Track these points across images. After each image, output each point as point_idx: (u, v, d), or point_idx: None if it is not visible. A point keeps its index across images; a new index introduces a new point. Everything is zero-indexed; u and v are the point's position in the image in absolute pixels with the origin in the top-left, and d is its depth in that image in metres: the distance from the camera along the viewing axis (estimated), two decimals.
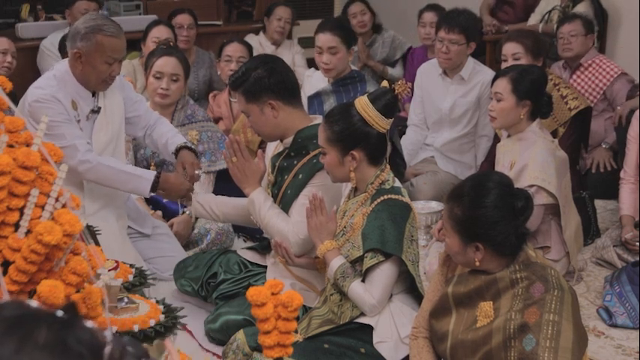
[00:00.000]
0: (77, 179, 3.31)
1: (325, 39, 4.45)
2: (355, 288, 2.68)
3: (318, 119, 3.18)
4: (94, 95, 3.38)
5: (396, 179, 2.86)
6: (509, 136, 3.66)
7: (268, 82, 3.07)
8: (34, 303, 1.10)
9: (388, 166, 2.83)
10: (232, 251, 3.51)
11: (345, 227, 2.82)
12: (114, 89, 3.46)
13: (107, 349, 1.06)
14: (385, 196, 2.74)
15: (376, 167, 2.79)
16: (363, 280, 2.70)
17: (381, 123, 2.73)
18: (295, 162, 3.11)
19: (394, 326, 2.69)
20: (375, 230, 2.68)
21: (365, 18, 5.95)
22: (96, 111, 3.38)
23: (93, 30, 3.23)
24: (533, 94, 3.53)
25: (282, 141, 3.18)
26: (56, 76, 3.30)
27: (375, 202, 2.74)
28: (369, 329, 2.70)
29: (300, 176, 3.08)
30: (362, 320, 2.71)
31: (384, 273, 2.67)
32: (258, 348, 2.73)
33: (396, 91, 2.74)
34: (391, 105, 2.75)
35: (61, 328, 1.04)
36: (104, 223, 3.30)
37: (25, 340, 1.02)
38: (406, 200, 2.77)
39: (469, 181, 2.43)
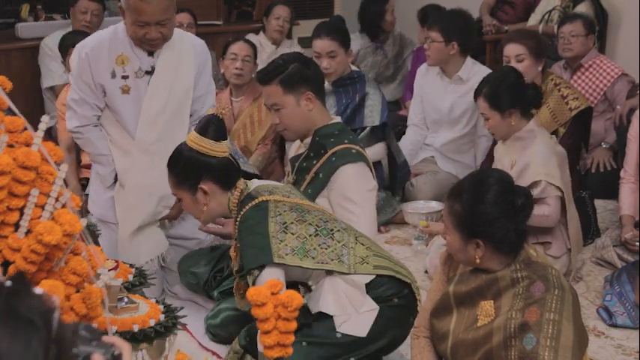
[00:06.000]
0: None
1: (323, 44, 4.46)
2: None
3: (336, 119, 3.22)
4: (150, 55, 3.36)
5: (255, 181, 2.81)
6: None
7: (308, 73, 3.10)
8: None
9: (241, 180, 2.77)
10: None
11: None
12: (189, 63, 3.40)
13: (56, 314, 1.08)
14: (241, 213, 2.68)
15: (230, 191, 2.75)
16: None
17: (217, 149, 2.70)
18: (314, 162, 3.12)
19: (348, 302, 2.68)
20: (243, 253, 2.65)
21: (394, 17, 6.06)
22: (149, 72, 3.35)
23: None
24: (515, 99, 3.52)
25: (302, 141, 3.20)
26: (116, 28, 3.35)
27: (237, 225, 2.70)
28: (328, 319, 2.69)
29: (321, 175, 3.09)
30: (315, 310, 2.69)
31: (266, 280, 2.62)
32: (246, 347, 2.75)
33: (218, 113, 2.71)
34: (220, 128, 2.72)
35: (10, 297, 1.06)
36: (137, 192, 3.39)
37: None
38: (260, 199, 2.67)
39: (469, 178, 2.43)
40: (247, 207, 2.67)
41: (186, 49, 3.40)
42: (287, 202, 2.69)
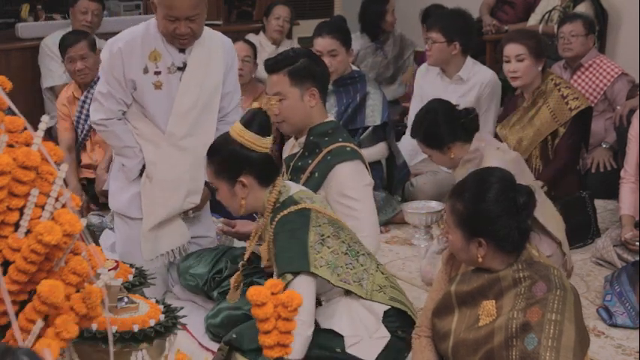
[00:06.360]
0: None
1: (324, 43, 4.46)
2: None
3: (330, 117, 3.24)
4: (182, 52, 3.37)
5: (292, 184, 2.83)
6: None
7: (316, 69, 3.12)
8: None
9: (279, 179, 2.80)
10: (240, 247, 3.52)
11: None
12: (218, 60, 3.42)
13: None
14: (279, 215, 2.70)
15: (268, 187, 2.77)
16: None
17: (260, 144, 2.72)
18: (309, 161, 3.13)
19: (362, 326, 2.70)
20: (279, 254, 2.67)
21: (394, 17, 6.05)
22: (181, 68, 3.36)
23: None
24: (449, 135, 3.45)
25: (296, 139, 3.20)
26: (148, 24, 3.35)
27: (273, 225, 2.72)
28: (338, 336, 2.70)
29: (316, 174, 3.10)
30: (327, 326, 2.70)
31: (297, 289, 2.55)
32: (230, 342, 2.76)
33: (264, 107, 2.73)
34: (265, 124, 2.73)
35: None
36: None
37: None
38: (303, 205, 2.70)
39: (471, 177, 2.44)
40: (288, 210, 2.69)
41: (215, 46, 3.44)
42: (326, 214, 2.73)
